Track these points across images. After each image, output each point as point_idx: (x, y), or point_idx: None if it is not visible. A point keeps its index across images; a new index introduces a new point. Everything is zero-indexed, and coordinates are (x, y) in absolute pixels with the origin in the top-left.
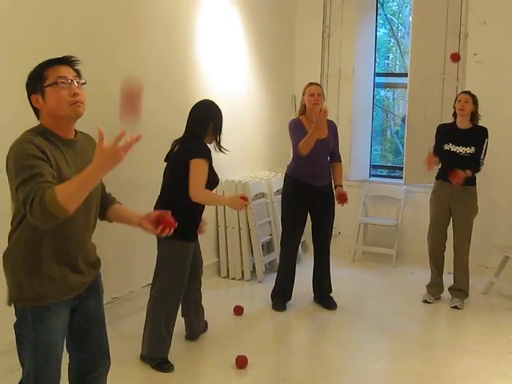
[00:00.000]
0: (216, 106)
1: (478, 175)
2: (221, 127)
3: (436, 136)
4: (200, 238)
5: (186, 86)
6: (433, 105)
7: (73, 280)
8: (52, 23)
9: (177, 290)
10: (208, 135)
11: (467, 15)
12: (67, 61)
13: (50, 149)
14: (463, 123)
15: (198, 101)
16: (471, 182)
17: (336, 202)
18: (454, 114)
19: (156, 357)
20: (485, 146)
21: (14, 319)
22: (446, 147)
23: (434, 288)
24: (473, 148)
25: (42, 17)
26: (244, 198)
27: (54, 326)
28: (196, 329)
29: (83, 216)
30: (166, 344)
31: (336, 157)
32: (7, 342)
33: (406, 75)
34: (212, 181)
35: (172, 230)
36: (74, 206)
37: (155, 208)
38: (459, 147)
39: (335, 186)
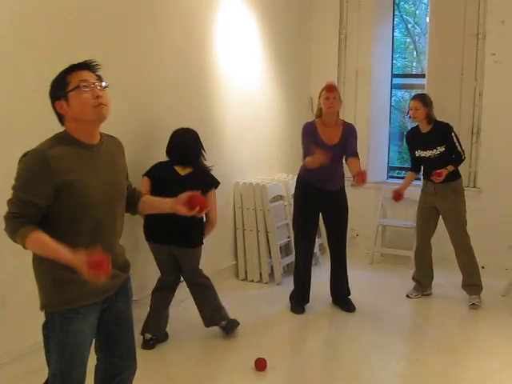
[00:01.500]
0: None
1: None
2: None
3: (406, 143)
4: (215, 241)
5: (204, 87)
6: (450, 105)
7: (101, 283)
8: (70, 27)
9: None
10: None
11: (485, 15)
12: (88, 66)
13: (67, 155)
14: (423, 127)
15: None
16: (453, 176)
17: (354, 182)
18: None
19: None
20: (455, 139)
21: (37, 323)
22: (417, 154)
23: (418, 284)
24: (440, 148)
25: (60, 21)
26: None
27: (82, 329)
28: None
29: (109, 219)
30: (164, 322)
31: (353, 152)
32: (29, 344)
33: (422, 76)
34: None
35: (207, 208)
36: (34, 248)
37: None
38: (427, 151)
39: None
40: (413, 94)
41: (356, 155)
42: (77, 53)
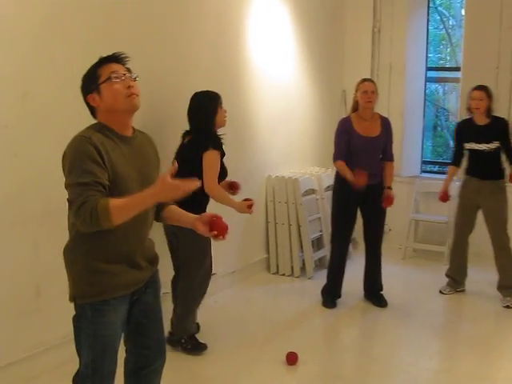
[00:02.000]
0: (200, 95)
1: None
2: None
3: (456, 135)
4: (247, 234)
5: (238, 81)
6: None
7: (132, 276)
8: (105, 22)
9: (206, 282)
10: (214, 125)
11: None
12: (117, 58)
13: (107, 145)
14: (480, 119)
15: (195, 92)
16: (500, 174)
17: (381, 204)
18: (469, 110)
19: (186, 334)
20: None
21: (70, 314)
22: (468, 146)
23: (452, 280)
24: (495, 142)
25: (94, 16)
26: (249, 206)
27: (113, 321)
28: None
29: (143, 215)
30: (193, 323)
31: (388, 156)
32: (63, 334)
33: (457, 69)
34: (222, 173)
35: (225, 237)
36: (121, 221)
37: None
38: (481, 145)
39: (384, 188)
40: (447, 86)
41: (392, 160)
42: (110, 48)
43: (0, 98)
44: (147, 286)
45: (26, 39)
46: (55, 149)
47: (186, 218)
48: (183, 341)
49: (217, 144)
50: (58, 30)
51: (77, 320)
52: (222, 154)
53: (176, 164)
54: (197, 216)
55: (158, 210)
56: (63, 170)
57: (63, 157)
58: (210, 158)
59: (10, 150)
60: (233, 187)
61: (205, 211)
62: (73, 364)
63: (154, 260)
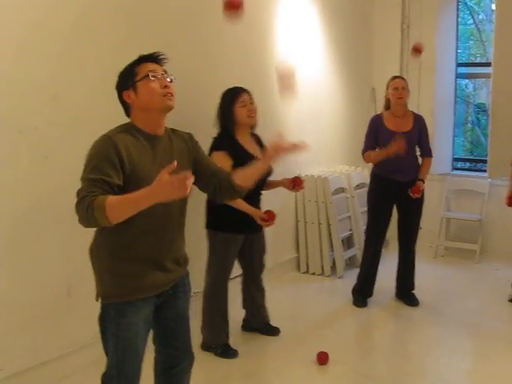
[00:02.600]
0: (222, 93)
1: None
2: (226, 111)
3: None
4: (276, 233)
5: (267, 79)
6: None
7: (157, 278)
8: (133, 23)
9: (223, 280)
10: (232, 123)
11: None
12: (156, 58)
13: (130, 145)
14: None
15: None
16: None
17: (409, 191)
18: None
19: (216, 344)
20: None
21: (95, 314)
22: None
23: None
24: None
25: (124, 17)
26: (263, 220)
27: (135, 322)
28: (252, 320)
29: (168, 213)
30: (222, 331)
31: (426, 152)
32: (94, 334)
33: (488, 65)
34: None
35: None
36: (118, 220)
37: (208, 201)
38: None
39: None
40: (477, 82)
41: (430, 155)
42: (140, 49)
43: (31, 99)
44: (175, 288)
45: (56, 42)
46: (85, 150)
47: (253, 168)
48: (213, 346)
49: (223, 145)
50: (88, 32)
51: (102, 320)
52: (237, 155)
53: (175, 162)
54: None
55: (227, 182)
56: None
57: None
58: (215, 159)
59: (40, 151)
60: (295, 184)
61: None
62: (104, 363)
63: (182, 261)
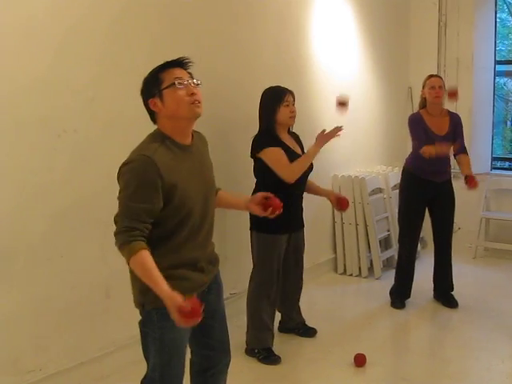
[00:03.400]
0: (265, 91)
1: None
2: (269, 110)
3: None
4: (313, 234)
5: (301, 79)
6: None
7: (196, 279)
8: (166, 25)
9: (270, 283)
10: (274, 124)
11: None
12: (181, 63)
13: (169, 161)
14: None
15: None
16: None
17: (465, 186)
18: None
19: (259, 347)
20: None
21: (137, 315)
22: None
23: None
24: None
25: (157, 20)
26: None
27: None
28: (288, 321)
29: (205, 218)
30: (267, 334)
31: (462, 149)
32: (132, 335)
33: None
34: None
35: (280, 210)
36: (135, 270)
37: None
38: None
39: (465, 176)
40: None
41: (465, 151)
42: (173, 50)
43: (69, 103)
44: (210, 286)
45: (92, 46)
46: (122, 153)
47: (238, 202)
48: (256, 351)
49: (272, 142)
50: (124, 35)
51: (143, 325)
52: (284, 148)
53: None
54: (248, 198)
55: None
56: (118, 181)
57: (120, 170)
58: (269, 155)
59: (78, 154)
60: (341, 204)
61: (291, 212)
62: (142, 364)
63: (215, 262)
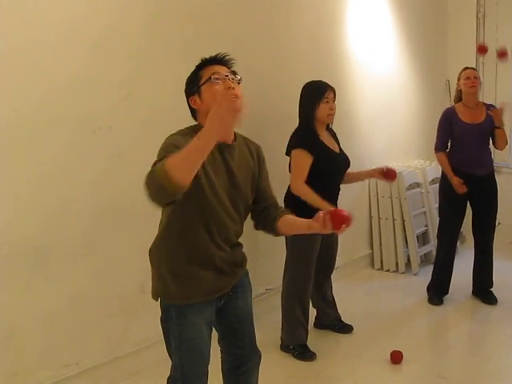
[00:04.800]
0: (306, 85)
1: None
2: (309, 106)
3: None
4: (350, 229)
5: (337, 73)
6: None
7: (216, 281)
8: (202, 23)
9: (304, 279)
10: (313, 121)
11: None
12: (221, 60)
13: None
14: None
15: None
16: None
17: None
18: None
19: (294, 344)
20: None
21: (160, 315)
22: None
23: None
24: None
25: (193, 18)
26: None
27: (197, 323)
28: (324, 317)
29: (228, 218)
30: (301, 331)
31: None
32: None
33: None
34: (326, 170)
35: (349, 224)
36: (182, 176)
37: (285, 199)
38: None
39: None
40: None
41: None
42: (209, 47)
43: (104, 100)
44: (235, 289)
45: (128, 43)
46: (156, 149)
47: (301, 223)
48: (291, 347)
49: (304, 143)
50: (158, 33)
51: (164, 321)
52: (318, 151)
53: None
54: (312, 220)
55: (271, 222)
56: None
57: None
58: (294, 158)
59: (114, 150)
60: (387, 175)
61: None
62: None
63: (241, 263)
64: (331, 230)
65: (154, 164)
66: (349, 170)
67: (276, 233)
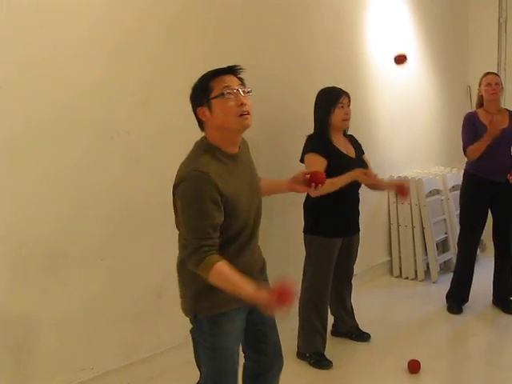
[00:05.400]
0: (320, 92)
1: None
2: (323, 112)
3: None
4: (369, 236)
5: (356, 78)
6: None
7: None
8: (221, 28)
9: (322, 286)
10: (328, 127)
11: None
12: (231, 70)
13: (223, 174)
14: None
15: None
16: None
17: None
18: None
19: (311, 352)
20: None
21: (184, 317)
22: None
23: None
24: None
25: (211, 24)
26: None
27: (230, 331)
28: (341, 325)
29: (254, 224)
30: (318, 338)
31: None
32: (183, 335)
33: None
34: (339, 175)
35: (324, 183)
36: (216, 284)
37: (305, 202)
38: None
39: None
40: None
41: None
42: (227, 53)
43: (122, 105)
44: None
45: (146, 49)
46: (174, 155)
47: (279, 185)
48: (308, 355)
49: (317, 147)
50: (177, 39)
51: (195, 333)
52: (331, 156)
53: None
54: (290, 179)
55: None
56: (174, 202)
57: (176, 188)
58: (307, 162)
59: (132, 156)
60: (400, 191)
61: (346, 215)
62: (192, 366)
63: (263, 267)
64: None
65: (185, 226)
66: None
67: None
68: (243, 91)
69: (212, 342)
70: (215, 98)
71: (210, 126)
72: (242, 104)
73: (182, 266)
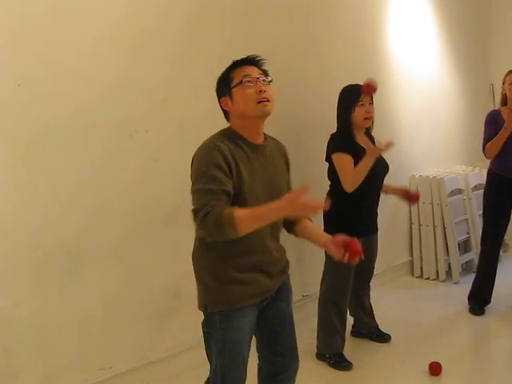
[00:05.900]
0: (342, 89)
1: None
2: (344, 110)
3: None
4: (389, 236)
5: (378, 76)
6: None
7: (262, 284)
8: (239, 26)
9: (342, 287)
10: (352, 124)
11: None
12: (252, 60)
13: (236, 154)
14: None
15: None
16: None
17: None
18: None
19: (330, 352)
20: None
21: (202, 317)
22: None
23: None
24: None
25: (229, 21)
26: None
27: (241, 326)
28: (361, 326)
29: (272, 229)
30: (338, 339)
31: None
32: (200, 336)
33: None
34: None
35: (359, 259)
36: (246, 232)
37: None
38: None
39: None
40: None
41: None
42: (247, 50)
43: (141, 104)
44: (278, 292)
45: (164, 47)
46: (192, 153)
47: (318, 237)
48: (327, 355)
49: (343, 146)
50: (195, 37)
51: (206, 326)
52: (356, 156)
53: (311, 182)
54: (330, 237)
55: (292, 223)
56: (191, 175)
57: (192, 160)
58: (335, 161)
59: (150, 154)
60: (410, 198)
61: (366, 216)
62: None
63: (284, 267)
64: (342, 258)
65: (195, 194)
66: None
67: (296, 235)
68: (263, 79)
69: (222, 336)
70: (235, 86)
71: (233, 115)
72: (261, 91)
73: (195, 257)
